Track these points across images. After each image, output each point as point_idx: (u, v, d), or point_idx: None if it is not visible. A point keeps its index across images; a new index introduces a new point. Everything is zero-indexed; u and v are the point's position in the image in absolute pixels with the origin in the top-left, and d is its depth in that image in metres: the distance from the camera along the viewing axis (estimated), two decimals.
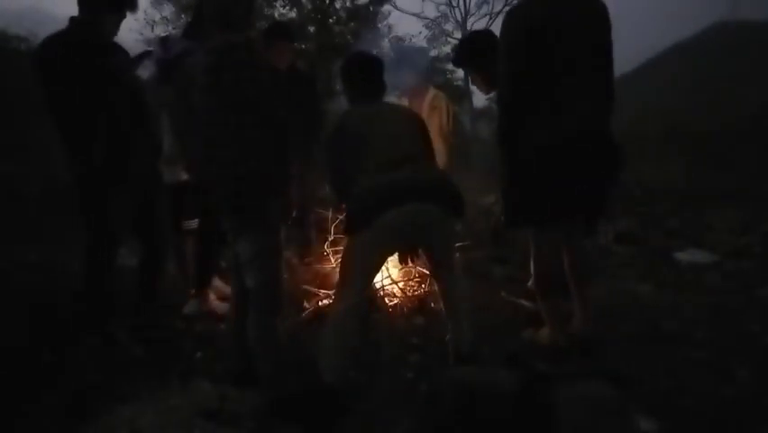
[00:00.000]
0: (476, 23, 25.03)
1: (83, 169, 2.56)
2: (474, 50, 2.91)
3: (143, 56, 2.88)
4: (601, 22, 2.32)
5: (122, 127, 2.60)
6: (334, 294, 2.45)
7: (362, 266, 2.23)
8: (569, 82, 2.27)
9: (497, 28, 2.55)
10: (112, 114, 2.55)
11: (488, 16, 24.11)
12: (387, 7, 14.12)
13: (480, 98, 16.93)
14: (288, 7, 12.36)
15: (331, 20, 12.32)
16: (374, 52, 3.32)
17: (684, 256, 4.28)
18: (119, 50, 2.70)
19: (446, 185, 2.29)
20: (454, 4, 24.04)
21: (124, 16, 2.70)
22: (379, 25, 13.82)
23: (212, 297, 3.30)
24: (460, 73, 16.19)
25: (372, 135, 2.27)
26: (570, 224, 2.51)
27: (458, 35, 23.46)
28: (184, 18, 13.40)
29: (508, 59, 2.30)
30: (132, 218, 2.75)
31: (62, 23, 2.60)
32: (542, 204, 2.40)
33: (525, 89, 2.28)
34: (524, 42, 2.24)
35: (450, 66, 14.97)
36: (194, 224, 3.48)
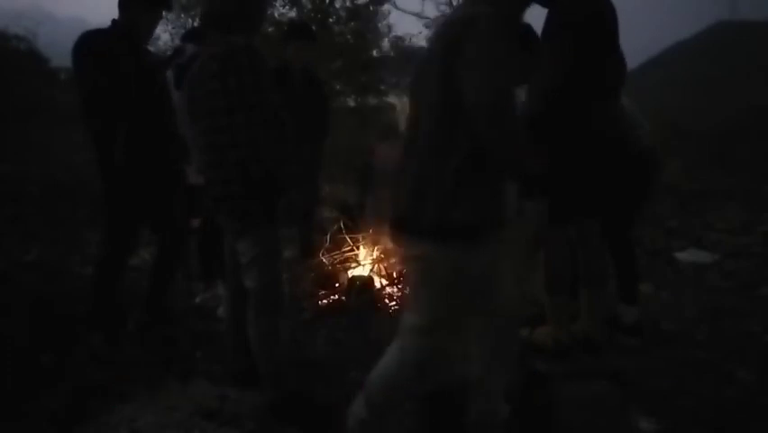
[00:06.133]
0: None
1: (117, 166, 2.55)
2: None
3: (174, 56, 2.90)
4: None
5: (153, 126, 2.62)
6: None
7: None
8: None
9: None
10: (145, 113, 2.57)
11: None
12: (387, 7, 14.11)
13: None
14: (287, 7, 12.36)
15: (331, 20, 12.32)
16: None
17: (684, 256, 4.27)
18: (148, 51, 2.73)
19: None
20: (454, 3, 24.08)
21: (161, 16, 2.72)
22: (379, 25, 13.83)
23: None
24: None
25: None
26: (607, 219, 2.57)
27: None
28: (183, 17, 13.40)
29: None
30: (148, 217, 2.78)
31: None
32: (589, 196, 2.41)
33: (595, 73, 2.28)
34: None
35: None
36: (197, 222, 3.48)
